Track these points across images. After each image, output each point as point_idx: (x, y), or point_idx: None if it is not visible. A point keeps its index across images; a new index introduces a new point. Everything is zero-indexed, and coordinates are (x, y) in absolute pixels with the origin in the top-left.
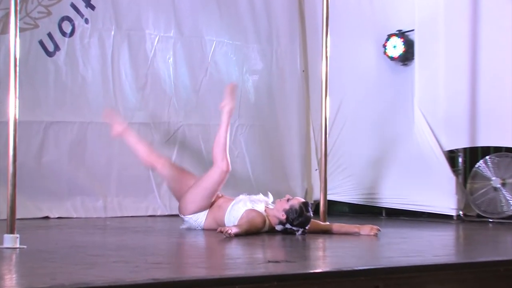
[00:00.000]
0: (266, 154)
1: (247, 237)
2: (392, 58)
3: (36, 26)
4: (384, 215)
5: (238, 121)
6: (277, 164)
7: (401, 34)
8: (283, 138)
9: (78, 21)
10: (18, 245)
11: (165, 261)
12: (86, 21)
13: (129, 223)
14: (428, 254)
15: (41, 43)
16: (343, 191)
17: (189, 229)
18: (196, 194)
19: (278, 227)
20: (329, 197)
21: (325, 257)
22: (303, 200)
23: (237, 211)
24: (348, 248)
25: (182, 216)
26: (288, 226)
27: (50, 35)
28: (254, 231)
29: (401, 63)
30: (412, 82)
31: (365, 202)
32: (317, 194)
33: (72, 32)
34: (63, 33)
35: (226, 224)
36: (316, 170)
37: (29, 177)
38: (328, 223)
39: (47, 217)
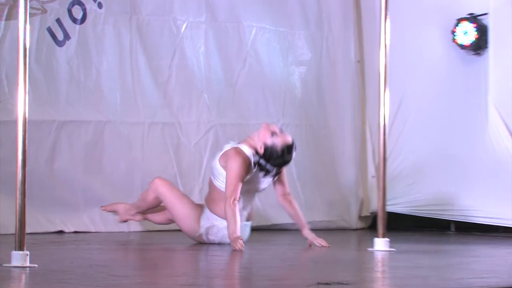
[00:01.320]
0: (314, 158)
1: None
2: (462, 46)
3: (44, 11)
4: (453, 229)
5: (282, 120)
6: (327, 170)
7: (473, 18)
8: (335, 140)
9: (90, 5)
10: (28, 264)
11: (197, 282)
12: (100, 5)
13: (155, 238)
14: (504, 275)
15: (50, 30)
16: (404, 201)
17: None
18: None
19: (253, 158)
20: (389, 209)
21: (383, 278)
22: (289, 141)
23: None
24: (409, 268)
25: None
26: (262, 161)
27: (59, 22)
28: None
29: (473, 52)
30: (485, 75)
31: (431, 215)
32: (374, 205)
33: (84, 18)
34: (74, 20)
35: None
36: (373, 177)
37: (39, 186)
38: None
39: (61, 232)
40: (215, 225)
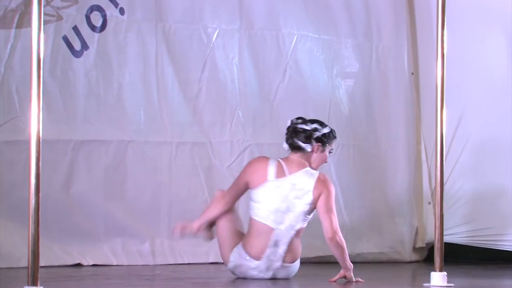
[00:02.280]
0: (363, 182)
1: None
2: None
3: (60, 18)
4: None
5: None
6: (378, 195)
7: None
8: (386, 161)
9: (111, 11)
10: None
11: None
12: (122, 11)
13: (184, 273)
14: None
15: (66, 39)
16: (464, 231)
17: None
18: None
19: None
20: (447, 239)
21: None
22: None
23: None
24: None
25: None
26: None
27: (76, 30)
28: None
29: None
30: None
31: (495, 246)
32: (430, 235)
33: (104, 25)
34: (93, 27)
35: None
36: (429, 203)
37: (55, 213)
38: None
39: (79, 265)
40: (244, 265)
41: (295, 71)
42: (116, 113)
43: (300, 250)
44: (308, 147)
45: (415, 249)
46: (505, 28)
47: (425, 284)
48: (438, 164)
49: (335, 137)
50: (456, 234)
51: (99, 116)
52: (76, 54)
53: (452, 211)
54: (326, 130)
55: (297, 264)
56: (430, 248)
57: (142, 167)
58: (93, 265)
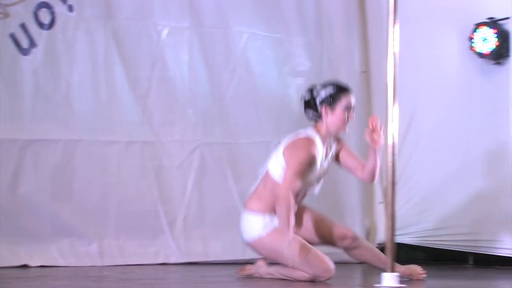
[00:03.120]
0: None
1: None
2: (481, 55)
3: (6, 15)
4: (471, 262)
5: (277, 138)
6: (329, 195)
7: (493, 23)
8: None
9: (59, 8)
10: None
11: None
12: (70, 8)
13: (133, 274)
14: None
15: (13, 37)
16: (416, 231)
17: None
18: None
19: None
20: (398, 239)
21: None
22: None
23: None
24: None
25: None
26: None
27: (23, 27)
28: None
29: (494, 61)
30: (508, 86)
31: (446, 246)
32: (381, 235)
33: (52, 22)
34: (41, 24)
35: None
36: (380, 203)
37: (1, 214)
38: None
39: (25, 266)
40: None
41: (245, 69)
42: (64, 112)
43: None
44: (315, 115)
45: None
46: (456, 27)
47: (376, 285)
48: (390, 164)
49: (343, 90)
50: (408, 234)
51: (47, 115)
52: (24, 52)
53: (403, 211)
54: (327, 91)
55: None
56: (382, 249)
57: (90, 167)
58: (41, 266)
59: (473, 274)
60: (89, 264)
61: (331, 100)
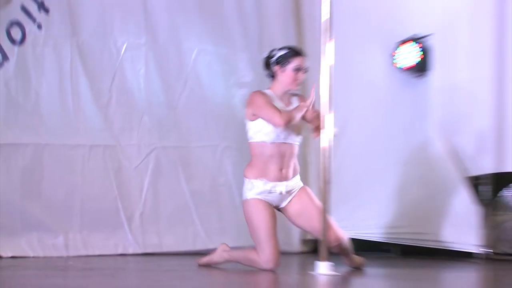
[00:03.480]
0: None
1: None
2: (404, 69)
3: None
4: (398, 253)
5: (224, 142)
6: None
7: (415, 40)
8: None
9: (29, 26)
10: None
11: None
12: (39, 26)
13: (95, 264)
14: None
15: None
16: (349, 225)
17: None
18: None
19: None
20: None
21: None
22: None
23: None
24: None
25: None
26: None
27: None
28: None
29: (415, 75)
30: (427, 97)
31: (376, 239)
32: None
33: (23, 39)
34: (12, 41)
35: None
36: None
37: None
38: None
39: None
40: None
41: (195, 81)
42: (34, 119)
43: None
44: (270, 74)
45: (303, 242)
46: (383, 44)
47: (311, 272)
48: (325, 165)
49: (295, 53)
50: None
51: (17, 122)
52: None
53: (337, 207)
54: (281, 52)
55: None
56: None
57: (57, 168)
58: (12, 257)
59: (399, 263)
60: (55, 255)
61: (282, 60)
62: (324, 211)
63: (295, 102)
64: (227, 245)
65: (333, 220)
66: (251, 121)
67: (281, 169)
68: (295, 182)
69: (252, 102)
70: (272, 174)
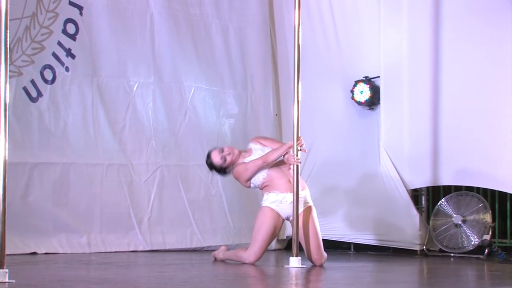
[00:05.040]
0: (241, 193)
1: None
2: (359, 103)
3: (20, 73)
4: (352, 250)
5: None
6: (251, 202)
7: (367, 80)
8: None
9: (59, 69)
10: (7, 280)
11: None
12: (67, 69)
13: (112, 258)
14: (393, 287)
15: (25, 89)
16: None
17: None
18: None
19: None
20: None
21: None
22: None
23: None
24: (317, 281)
25: None
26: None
27: (33, 82)
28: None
29: (368, 108)
30: (378, 125)
31: (335, 238)
32: (289, 230)
33: (54, 79)
34: (45, 81)
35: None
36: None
37: (16, 216)
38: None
39: (34, 253)
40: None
41: (193, 112)
42: (62, 143)
43: None
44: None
45: (278, 241)
46: (343, 81)
47: (285, 266)
48: (294, 180)
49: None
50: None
51: (49, 145)
52: (33, 100)
53: None
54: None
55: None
56: (290, 240)
57: (81, 182)
58: (45, 253)
59: (353, 258)
60: (80, 252)
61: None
62: (297, 216)
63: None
64: (225, 247)
65: (321, 243)
66: (249, 187)
67: (289, 180)
68: (304, 195)
69: (238, 175)
70: (282, 186)
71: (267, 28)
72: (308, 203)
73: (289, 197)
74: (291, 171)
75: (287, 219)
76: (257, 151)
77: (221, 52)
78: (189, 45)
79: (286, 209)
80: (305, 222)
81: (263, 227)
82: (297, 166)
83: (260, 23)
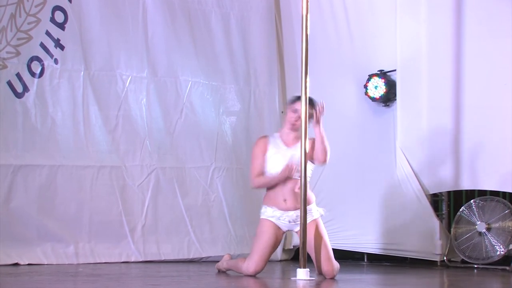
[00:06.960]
0: (244, 198)
1: None
2: (373, 99)
3: (4, 66)
4: (365, 260)
5: (215, 164)
6: (255, 208)
7: (382, 74)
8: None
9: (47, 61)
10: None
11: None
12: (56, 61)
13: (102, 270)
14: None
15: (10, 84)
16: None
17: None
18: None
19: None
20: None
21: None
22: None
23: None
24: None
25: None
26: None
27: (18, 76)
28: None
29: (383, 104)
30: (394, 124)
31: (346, 247)
32: (296, 240)
33: (42, 72)
34: (33, 74)
35: None
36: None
37: None
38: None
39: (16, 264)
40: None
41: (190, 110)
42: (49, 143)
43: None
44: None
45: (284, 251)
46: (356, 76)
47: (292, 278)
48: (302, 184)
49: (292, 100)
50: None
51: (34, 146)
52: (18, 95)
53: None
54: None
55: None
56: (297, 250)
57: (69, 186)
58: (28, 264)
59: (366, 269)
60: (67, 263)
61: (288, 104)
62: (304, 225)
63: (298, 145)
64: (229, 255)
65: (331, 253)
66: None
67: (284, 200)
68: (309, 209)
69: (253, 149)
70: (279, 205)
71: (272, 17)
72: (313, 217)
73: (287, 216)
74: (296, 185)
75: (290, 231)
76: (297, 148)
77: (221, 43)
78: (185, 36)
79: (285, 226)
80: (310, 235)
81: (263, 237)
82: (305, 177)
83: (265, 11)
